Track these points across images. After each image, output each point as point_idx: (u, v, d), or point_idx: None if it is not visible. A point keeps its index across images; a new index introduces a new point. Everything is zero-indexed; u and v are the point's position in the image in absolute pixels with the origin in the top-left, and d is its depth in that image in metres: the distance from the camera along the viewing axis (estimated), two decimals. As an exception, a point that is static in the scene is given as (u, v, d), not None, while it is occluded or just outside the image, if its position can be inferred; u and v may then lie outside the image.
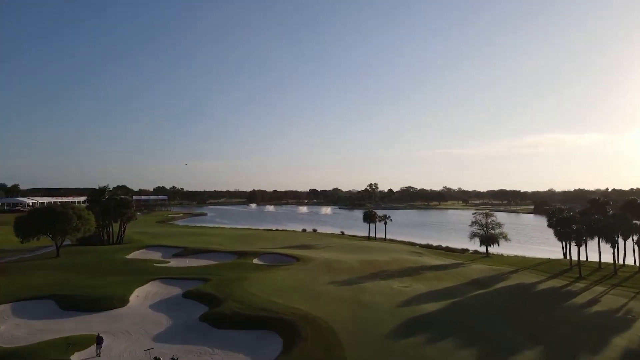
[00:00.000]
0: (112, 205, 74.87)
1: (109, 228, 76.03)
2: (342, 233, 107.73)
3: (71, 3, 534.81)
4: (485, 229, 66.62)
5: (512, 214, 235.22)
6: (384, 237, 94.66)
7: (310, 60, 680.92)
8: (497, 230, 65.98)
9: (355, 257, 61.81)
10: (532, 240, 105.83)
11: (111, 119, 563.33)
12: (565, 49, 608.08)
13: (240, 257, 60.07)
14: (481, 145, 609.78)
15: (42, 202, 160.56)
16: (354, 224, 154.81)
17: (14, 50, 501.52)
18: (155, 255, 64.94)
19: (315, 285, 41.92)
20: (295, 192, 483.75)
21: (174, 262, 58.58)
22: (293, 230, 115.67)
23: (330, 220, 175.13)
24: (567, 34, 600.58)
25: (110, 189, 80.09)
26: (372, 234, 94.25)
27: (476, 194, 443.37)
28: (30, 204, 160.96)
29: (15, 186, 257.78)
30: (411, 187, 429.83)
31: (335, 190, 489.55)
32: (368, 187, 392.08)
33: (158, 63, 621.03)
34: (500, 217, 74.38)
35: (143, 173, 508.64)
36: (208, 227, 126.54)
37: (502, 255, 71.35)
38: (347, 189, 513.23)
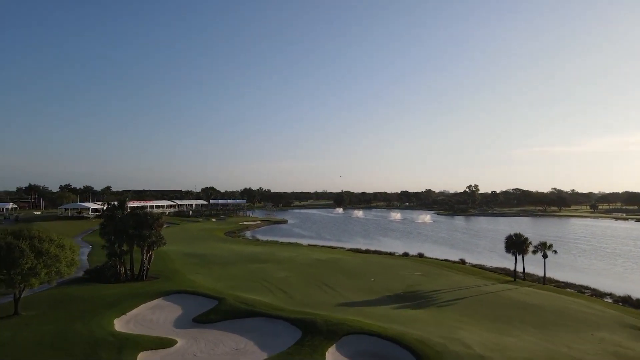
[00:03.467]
0: (130, 223, 51.19)
1: (128, 255, 52.54)
2: (463, 262, 74.16)
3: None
4: None
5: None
6: (541, 275, 60.07)
7: (396, 55, 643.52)
8: None
9: (539, 356, 29.43)
10: None
11: (211, 121, 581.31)
12: None
13: (303, 339, 31.09)
14: (585, 142, 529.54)
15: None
16: (466, 240, 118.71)
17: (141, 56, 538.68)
18: (169, 316, 38.75)
19: None
20: (385, 193, 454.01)
21: (183, 343, 31.63)
22: (390, 254, 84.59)
23: (434, 233, 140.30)
24: None
25: (128, 197, 56.89)
26: (508, 265, 60.00)
27: (599, 198, 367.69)
28: (104, 208, 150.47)
29: (107, 188, 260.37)
30: (518, 189, 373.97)
31: (428, 192, 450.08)
32: (467, 189, 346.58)
33: (246, 66, 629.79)
34: None
35: (234, 174, 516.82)
36: (281, 243, 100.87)
37: None
38: (438, 190, 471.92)
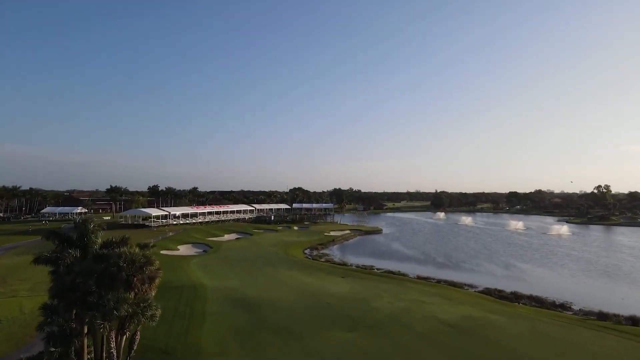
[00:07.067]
0: (92, 279, 25.43)
1: (93, 336, 27.11)
2: None
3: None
4: None
5: None
6: None
7: (494, 44, 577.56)
8: None
9: None
10: None
11: (308, 120, 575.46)
12: None
13: None
14: None
15: (176, 215, 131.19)
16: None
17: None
18: None
19: None
20: (485, 193, 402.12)
21: None
22: (566, 307, 50.27)
23: (592, 256, 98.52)
24: None
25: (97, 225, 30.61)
26: None
27: None
28: (177, 215, 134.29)
29: (194, 189, 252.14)
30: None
31: (539, 192, 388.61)
32: (595, 190, 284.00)
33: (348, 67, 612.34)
34: None
35: (324, 174, 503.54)
36: (377, 272, 71.12)
37: None
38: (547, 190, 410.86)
